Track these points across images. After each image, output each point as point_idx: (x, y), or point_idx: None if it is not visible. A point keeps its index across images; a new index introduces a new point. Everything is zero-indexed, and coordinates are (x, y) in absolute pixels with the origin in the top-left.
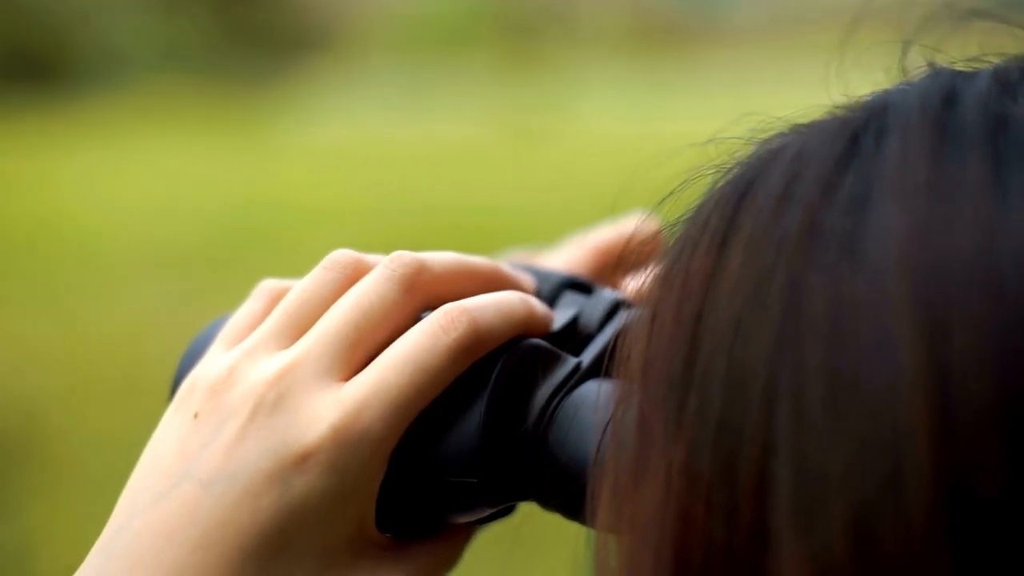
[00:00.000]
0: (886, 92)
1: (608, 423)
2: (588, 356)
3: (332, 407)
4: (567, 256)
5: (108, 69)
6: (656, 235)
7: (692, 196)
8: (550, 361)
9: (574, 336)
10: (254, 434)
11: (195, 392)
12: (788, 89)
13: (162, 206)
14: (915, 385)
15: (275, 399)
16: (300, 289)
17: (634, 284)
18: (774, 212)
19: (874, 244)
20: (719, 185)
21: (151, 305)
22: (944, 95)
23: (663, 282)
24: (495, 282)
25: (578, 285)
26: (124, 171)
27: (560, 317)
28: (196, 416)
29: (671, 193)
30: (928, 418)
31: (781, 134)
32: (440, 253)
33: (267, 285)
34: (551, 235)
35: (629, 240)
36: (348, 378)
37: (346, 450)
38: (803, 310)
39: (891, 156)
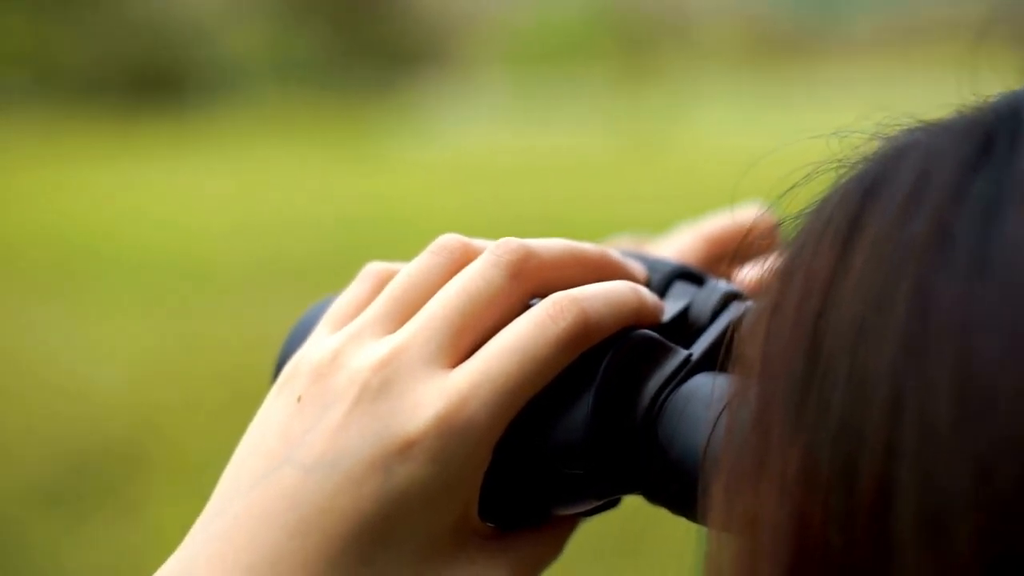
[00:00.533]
0: (1016, 94)
1: (719, 417)
2: (699, 348)
3: (437, 395)
4: (678, 245)
5: (228, 83)
6: (772, 227)
7: (814, 191)
8: (660, 352)
9: (684, 327)
10: (358, 420)
11: (298, 375)
12: (906, 101)
13: (278, 218)
14: None
15: (380, 384)
16: (407, 273)
17: (748, 276)
18: (901, 212)
19: (1006, 253)
20: (843, 180)
21: (266, 318)
22: None
23: (784, 276)
24: (605, 270)
25: (689, 275)
26: (241, 183)
27: (671, 308)
28: (299, 400)
29: (793, 187)
30: None
31: (908, 130)
32: (548, 240)
33: (373, 268)
34: None
35: (745, 231)
36: (454, 365)
37: (450, 440)
38: (931, 318)
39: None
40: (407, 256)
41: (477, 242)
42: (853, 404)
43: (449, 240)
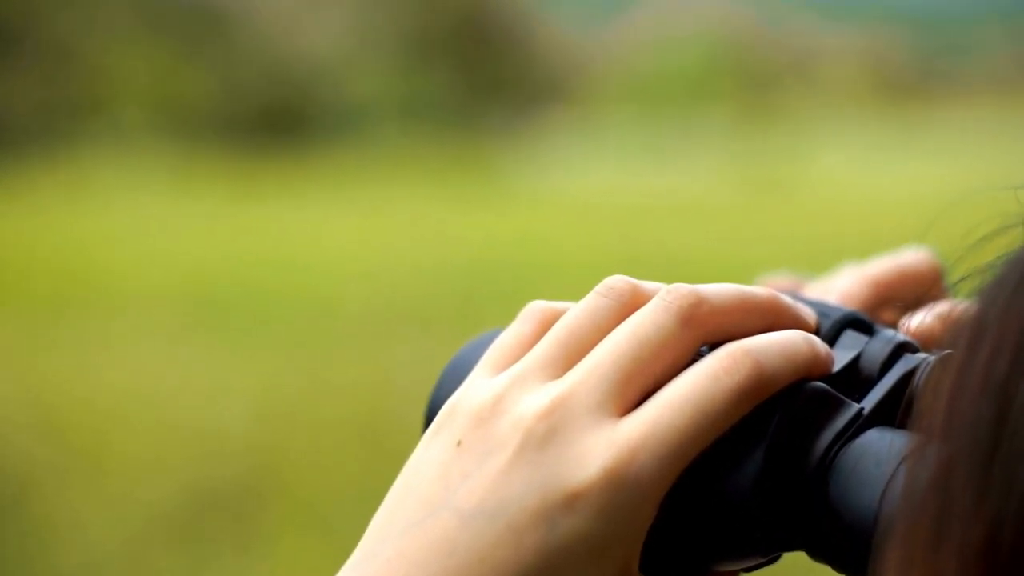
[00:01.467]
0: None
1: (894, 475)
2: (870, 402)
3: (605, 446)
4: (843, 288)
5: (352, 123)
6: (940, 274)
7: (996, 246)
8: (832, 406)
9: (855, 379)
10: (521, 468)
11: (458, 418)
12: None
13: (402, 260)
14: None
15: (545, 433)
16: (573, 316)
17: (918, 325)
18: None
19: None
20: None
21: (390, 361)
22: None
23: (974, 330)
24: (776, 316)
25: (859, 323)
26: (365, 224)
27: (841, 357)
28: (459, 444)
29: (982, 238)
30: None
31: None
32: (718, 285)
33: (537, 307)
34: None
35: (917, 277)
36: (622, 414)
37: (618, 494)
38: None
39: None
40: (529, 298)
41: (647, 285)
42: None
43: (618, 282)
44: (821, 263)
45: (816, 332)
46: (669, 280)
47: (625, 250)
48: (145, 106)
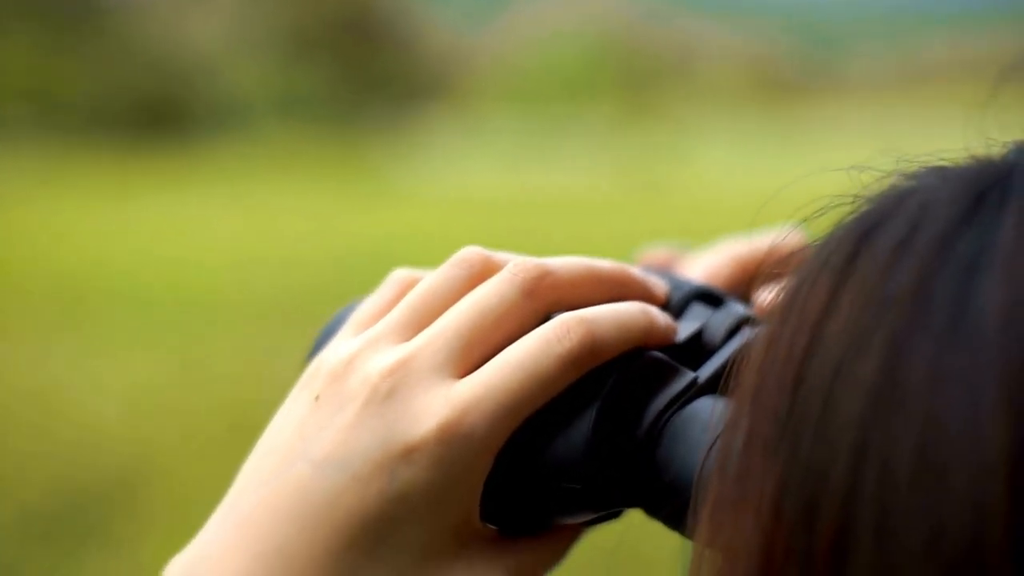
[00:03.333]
0: (1018, 149)
1: (715, 442)
2: (706, 372)
3: (441, 404)
4: (708, 263)
5: (230, 118)
6: (795, 251)
7: (831, 223)
8: (667, 374)
9: (697, 349)
10: (366, 422)
11: (318, 376)
12: (907, 142)
13: (282, 254)
14: (997, 473)
15: (388, 390)
16: (426, 284)
17: (764, 300)
18: (890, 261)
19: (977, 316)
20: (847, 220)
21: (268, 353)
22: None
23: (782, 311)
24: (624, 288)
25: (709, 296)
26: (245, 219)
27: (685, 328)
28: (317, 399)
29: (815, 213)
30: (1007, 508)
31: (913, 175)
32: (567, 259)
33: (399, 275)
34: None
35: (767, 253)
36: (462, 376)
37: (451, 448)
38: (901, 375)
39: (1007, 222)
40: None
41: (498, 256)
42: (821, 448)
43: (470, 253)
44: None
45: (665, 304)
46: None
47: (503, 245)
48: (21, 101)
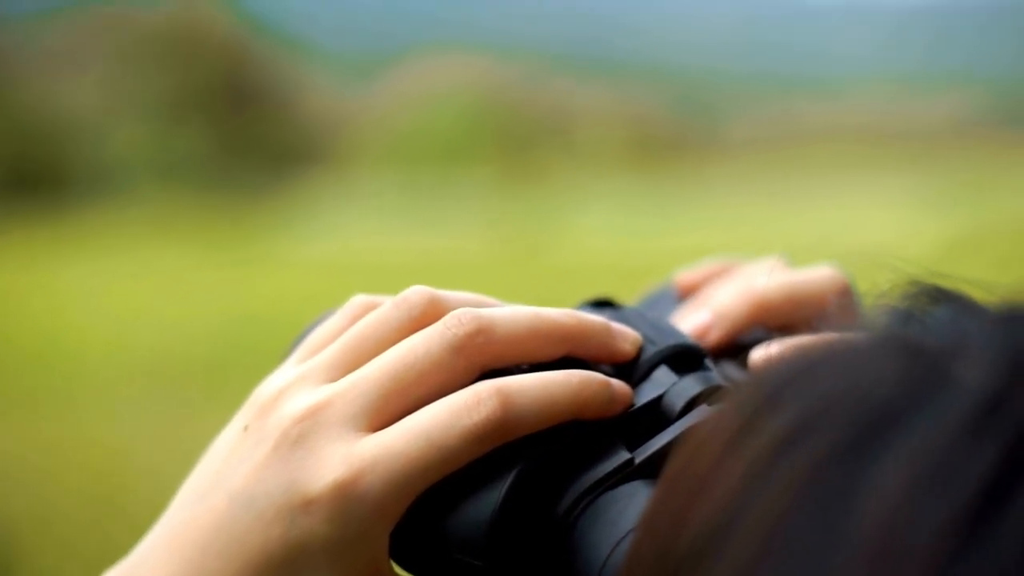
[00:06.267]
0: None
1: (623, 538)
2: (645, 452)
3: (340, 460)
4: (719, 303)
5: (107, 181)
6: (848, 294)
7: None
8: (598, 451)
9: (656, 418)
10: (275, 465)
11: (253, 405)
12: (782, 202)
13: (157, 319)
14: None
15: (297, 436)
16: (364, 323)
17: (760, 357)
18: (779, 449)
19: (854, 523)
20: (742, 392)
21: (141, 421)
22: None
23: (685, 448)
24: (579, 343)
25: (684, 356)
26: (120, 283)
27: (648, 393)
28: (245, 429)
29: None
30: None
31: (834, 349)
32: (513, 311)
33: (357, 301)
34: None
35: (806, 298)
36: (375, 429)
37: (345, 506)
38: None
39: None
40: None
41: (446, 299)
42: None
43: (415, 294)
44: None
45: (634, 361)
46: None
47: None
48: None
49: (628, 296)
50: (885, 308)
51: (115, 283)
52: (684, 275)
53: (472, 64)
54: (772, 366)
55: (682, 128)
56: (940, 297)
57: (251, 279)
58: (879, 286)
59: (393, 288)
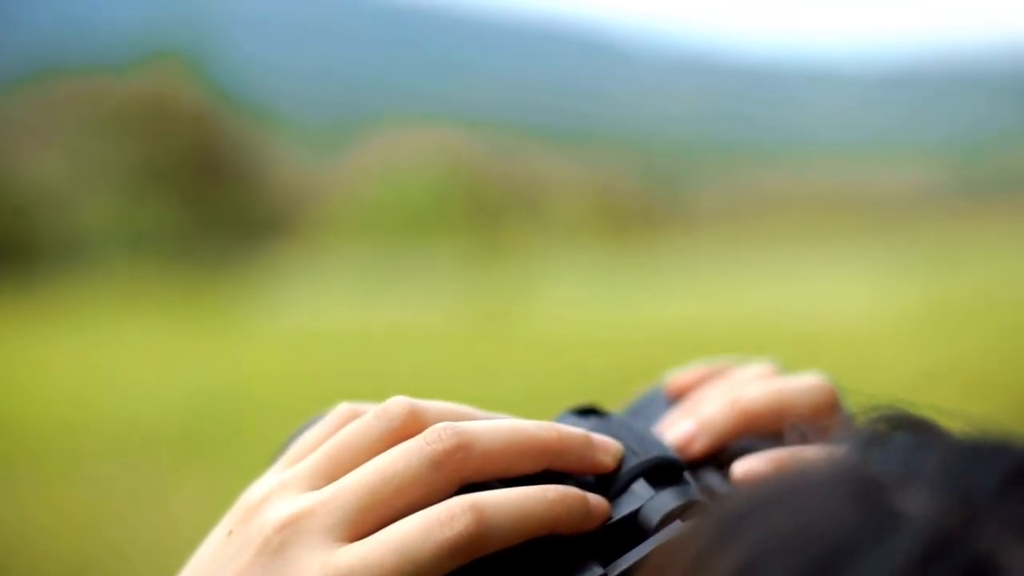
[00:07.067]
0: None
1: None
2: (617, 568)
3: (318, 570)
4: (706, 413)
5: (76, 252)
6: (833, 403)
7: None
8: (570, 566)
9: (632, 532)
10: (255, 572)
11: (238, 510)
12: (749, 272)
13: (126, 391)
14: None
15: (278, 544)
16: (346, 433)
17: (744, 470)
18: None
19: None
20: (702, 525)
21: (109, 495)
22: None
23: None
24: (556, 458)
25: (664, 469)
26: (89, 355)
27: (625, 506)
28: (230, 533)
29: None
30: None
31: (791, 482)
32: (494, 425)
33: (342, 409)
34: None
35: (792, 407)
36: (353, 539)
37: None
38: None
39: None
40: (252, 430)
41: (427, 412)
42: None
43: (396, 406)
44: (548, 394)
45: (614, 472)
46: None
47: (351, 382)
48: None
49: (592, 368)
50: (848, 433)
51: (84, 355)
52: (675, 378)
53: (441, 135)
54: (732, 498)
55: (650, 198)
56: (901, 424)
57: (220, 351)
58: (852, 402)
59: (363, 362)
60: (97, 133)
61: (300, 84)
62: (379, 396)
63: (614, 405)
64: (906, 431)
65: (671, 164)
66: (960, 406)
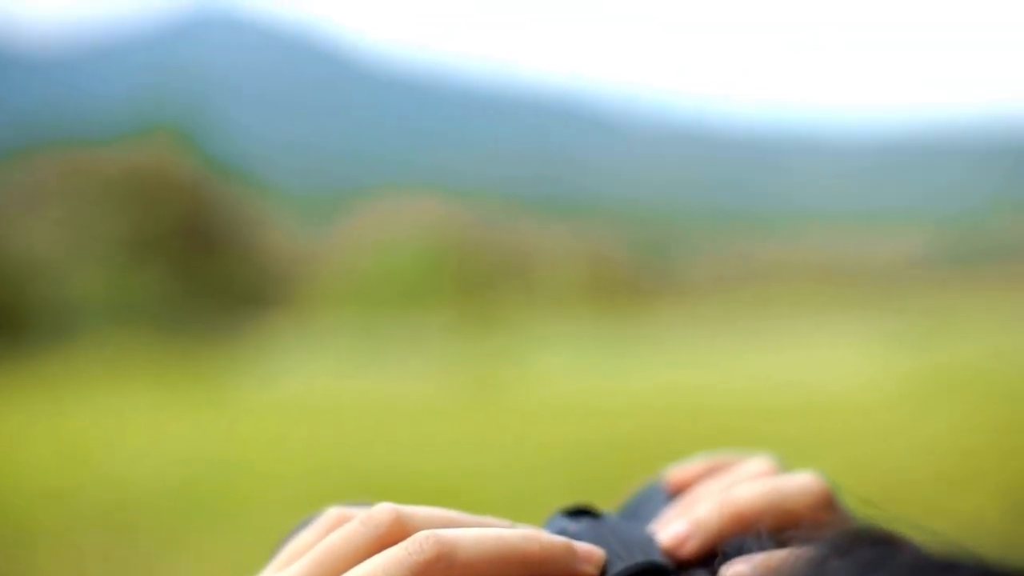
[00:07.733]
0: None
1: None
2: None
3: None
4: (698, 515)
5: (66, 322)
6: (828, 501)
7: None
8: None
9: None
10: None
11: None
12: (740, 343)
13: (114, 463)
14: None
15: None
16: (332, 539)
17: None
18: None
19: None
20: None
21: (94, 567)
22: None
23: None
24: (540, 567)
25: (649, 575)
26: (78, 426)
27: None
28: None
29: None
30: None
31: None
32: (477, 534)
33: (331, 514)
34: (509, 494)
35: (786, 506)
36: None
37: None
38: None
39: None
40: (243, 503)
41: (412, 516)
42: None
43: (381, 513)
44: (539, 465)
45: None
46: (381, 487)
47: (341, 453)
48: None
49: (582, 438)
50: (812, 547)
51: (72, 425)
52: (675, 473)
53: (431, 206)
54: None
55: (640, 268)
56: (865, 539)
57: (211, 422)
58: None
59: (354, 432)
60: (89, 204)
61: (292, 155)
62: (370, 468)
63: (606, 477)
64: (869, 546)
65: (661, 234)
66: (956, 475)
